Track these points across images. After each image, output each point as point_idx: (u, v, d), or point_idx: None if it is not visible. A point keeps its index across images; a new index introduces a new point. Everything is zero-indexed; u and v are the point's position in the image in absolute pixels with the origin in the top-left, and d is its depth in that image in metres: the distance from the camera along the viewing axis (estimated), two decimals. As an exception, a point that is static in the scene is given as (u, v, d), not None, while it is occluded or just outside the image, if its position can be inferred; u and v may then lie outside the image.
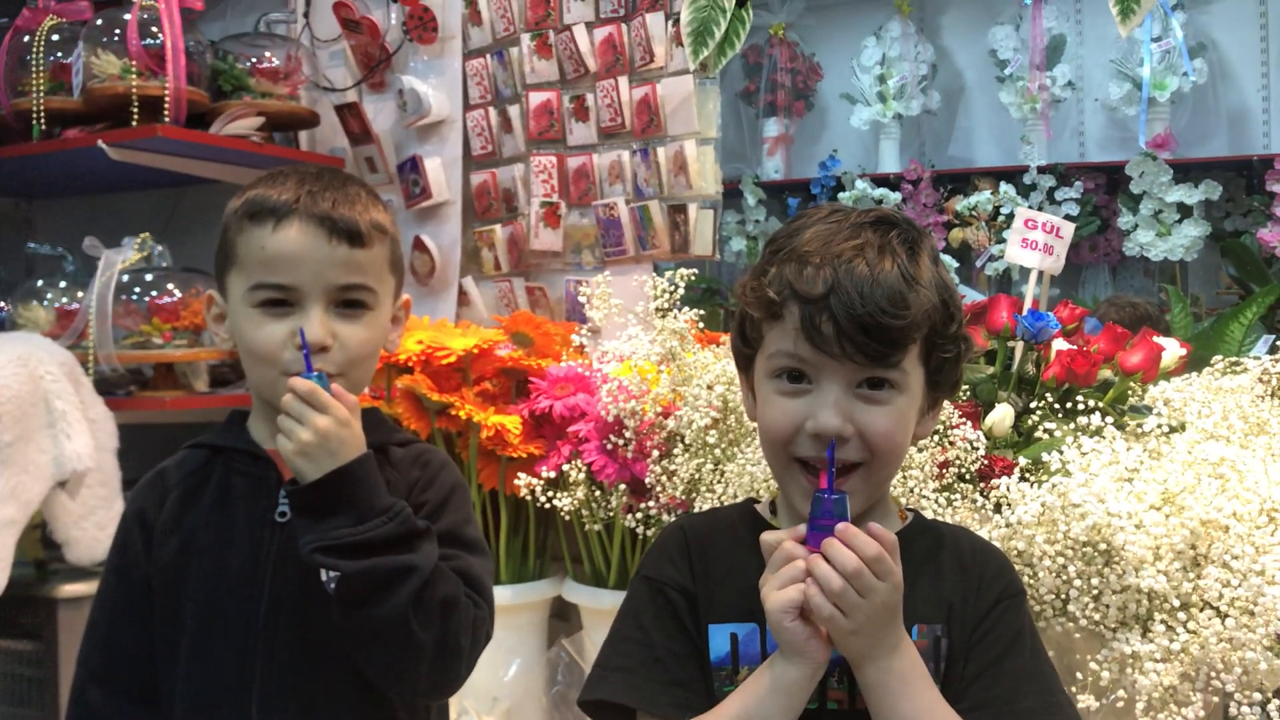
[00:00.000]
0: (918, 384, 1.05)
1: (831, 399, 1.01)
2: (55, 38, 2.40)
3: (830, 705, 1.05)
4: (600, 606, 2.01)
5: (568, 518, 1.97)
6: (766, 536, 1.01)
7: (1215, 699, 1.37)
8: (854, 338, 0.99)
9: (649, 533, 1.89)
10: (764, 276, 1.05)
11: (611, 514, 1.95)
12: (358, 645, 1.16)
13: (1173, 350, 1.76)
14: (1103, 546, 1.42)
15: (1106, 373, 1.75)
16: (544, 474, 1.97)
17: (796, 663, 0.98)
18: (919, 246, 1.05)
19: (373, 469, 1.16)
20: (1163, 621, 1.38)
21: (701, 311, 1.94)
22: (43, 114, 2.36)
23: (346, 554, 1.11)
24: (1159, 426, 1.56)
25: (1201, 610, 1.36)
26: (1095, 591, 1.43)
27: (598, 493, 1.95)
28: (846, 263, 1.00)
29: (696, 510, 1.74)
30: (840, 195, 3.71)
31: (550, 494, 1.94)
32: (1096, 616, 1.43)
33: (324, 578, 1.15)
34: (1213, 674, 1.35)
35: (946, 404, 1.66)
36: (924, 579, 1.08)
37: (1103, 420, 1.55)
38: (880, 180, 3.71)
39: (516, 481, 1.97)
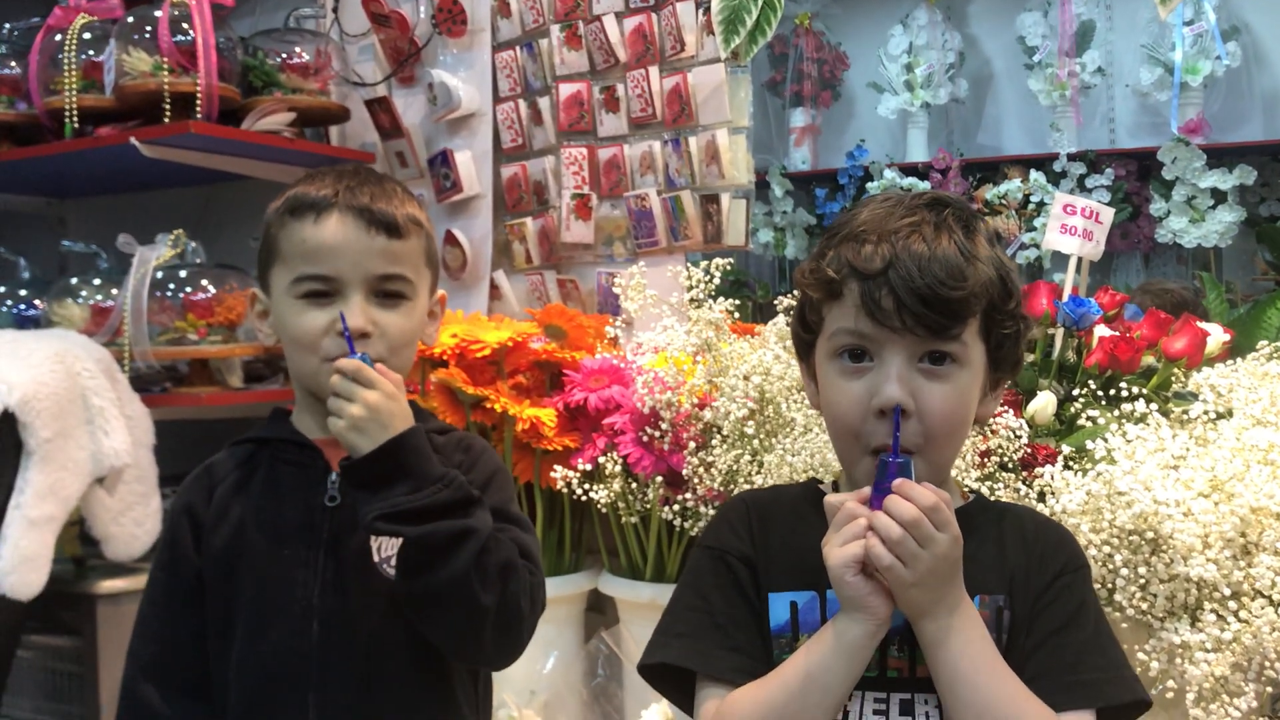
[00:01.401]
0: (979, 359, 1.07)
1: (894, 372, 1.02)
2: (87, 36, 2.42)
3: (890, 673, 1.06)
4: (637, 599, 2.00)
5: (604, 510, 1.97)
6: (831, 499, 1.03)
7: (1268, 689, 1.36)
8: (914, 310, 1.01)
9: (686, 525, 1.88)
10: (823, 259, 1.07)
11: (648, 506, 1.95)
12: (423, 613, 1.19)
13: (1217, 336, 1.74)
14: (1150, 535, 1.41)
15: (1149, 359, 1.73)
16: (580, 466, 1.96)
17: (858, 620, 1.00)
18: (974, 225, 1.07)
19: (424, 439, 1.19)
20: (1213, 610, 1.36)
21: (736, 301, 1.93)
22: (75, 112, 2.38)
23: (407, 520, 1.14)
24: (1205, 413, 1.54)
25: (1253, 599, 1.35)
26: (1142, 580, 1.41)
27: (634, 485, 1.95)
28: (904, 239, 1.03)
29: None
30: (868, 185, 3.69)
31: (586, 486, 1.94)
32: (1144, 606, 1.41)
33: (376, 558, 1.20)
34: (1266, 664, 1.33)
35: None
36: (986, 551, 1.09)
37: (1147, 407, 1.53)
38: (909, 169, 3.68)
39: (552, 474, 1.97)
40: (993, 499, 1.20)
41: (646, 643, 1.13)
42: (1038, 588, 1.07)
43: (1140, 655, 1.39)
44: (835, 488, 1.15)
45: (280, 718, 1.21)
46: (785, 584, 1.09)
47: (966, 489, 1.18)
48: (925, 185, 3.60)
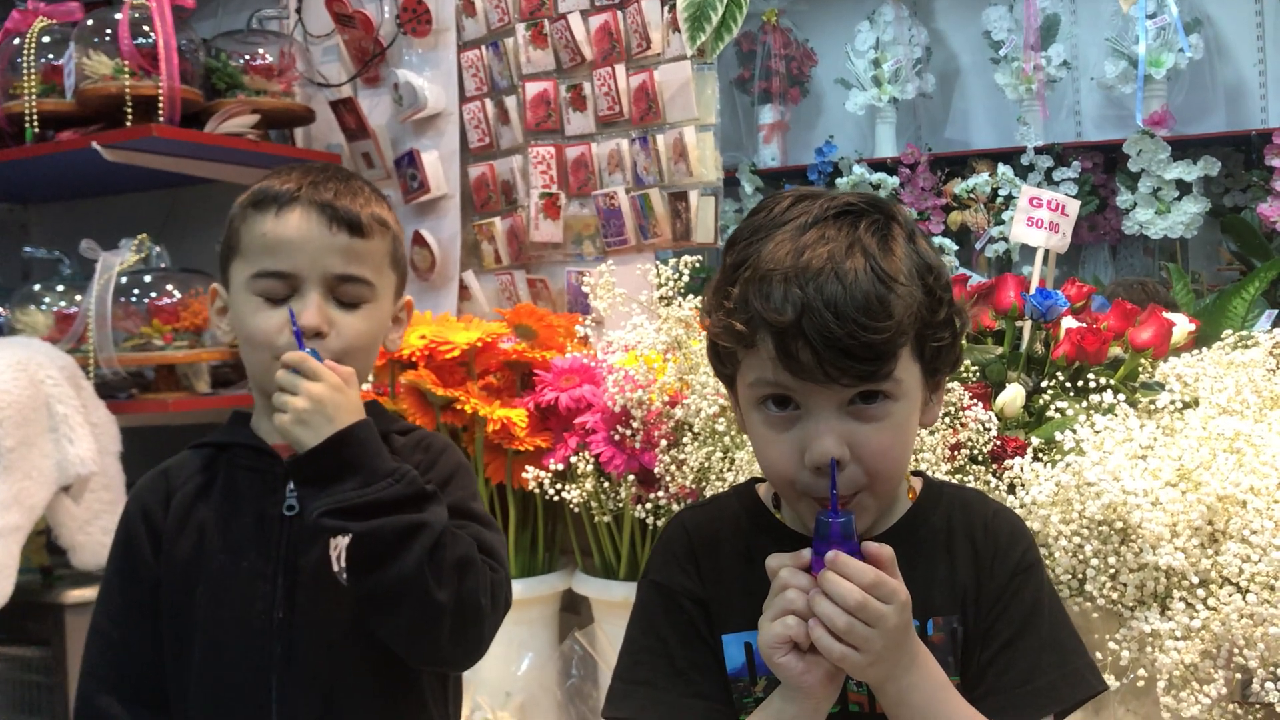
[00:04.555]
0: (914, 382, 0.99)
1: (824, 425, 0.95)
2: (46, 39, 2.38)
3: (852, 708, 1.03)
4: (611, 598, 2.00)
5: (576, 510, 1.96)
6: (771, 561, 0.96)
7: (1238, 676, 1.37)
8: (836, 361, 0.92)
9: (659, 523, 1.88)
10: (728, 300, 0.98)
11: (620, 505, 1.94)
12: (376, 613, 1.14)
13: (1182, 325, 1.75)
14: (1119, 525, 1.41)
15: (1116, 350, 1.74)
16: (551, 466, 1.95)
17: (795, 699, 0.94)
18: (890, 232, 0.98)
19: (374, 433, 1.15)
20: (1182, 599, 1.37)
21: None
22: (35, 117, 2.34)
23: (355, 516, 1.10)
24: (1172, 403, 1.55)
25: (1221, 586, 1.36)
26: (1112, 570, 1.42)
27: (606, 484, 1.94)
28: (814, 277, 0.93)
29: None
30: (838, 181, 3.70)
31: (558, 486, 1.93)
32: (1114, 595, 1.42)
33: (336, 567, 1.15)
34: (1235, 650, 1.34)
35: (957, 386, 1.66)
36: (937, 568, 1.05)
37: (1115, 398, 1.54)
38: (877, 165, 3.69)
39: (524, 474, 1.96)
40: (940, 481, 1.14)
41: (608, 685, 1.09)
42: (990, 596, 1.04)
43: (1111, 645, 1.40)
44: (776, 499, 1.10)
45: None
46: (738, 624, 1.04)
47: (911, 475, 1.12)
48: (894, 180, 3.61)
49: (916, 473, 1.13)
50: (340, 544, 1.16)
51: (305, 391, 1.12)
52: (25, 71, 2.35)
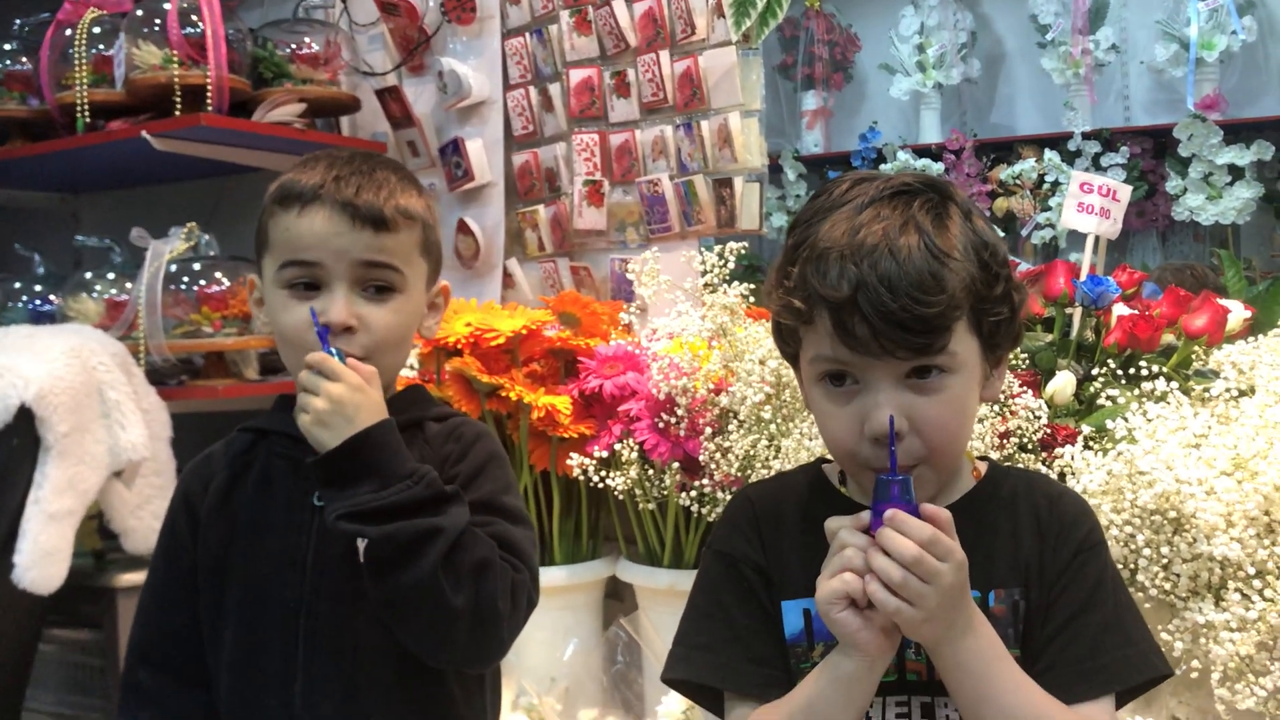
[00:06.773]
0: (973, 356, 1.01)
1: (881, 398, 0.98)
2: (96, 30, 2.42)
3: (910, 676, 1.04)
4: (655, 586, 2.00)
5: (620, 497, 1.97)
6: (830, 523, 0.98)
7: (1295, 667, 1.35)
8: (891, 335, 0.95)
9: (703, 510, 1.87)
10: (787, 280, 1.01)
11: (665, 493, 1.94)
12: (392, 613, 1.15)
13: (1238, 312, 1.72)
14: (1172, 514, 1.40)
15: (1169, 337, 1.72)
16: (596, 454, 1.95)
17: (852, 655, 0.96)
18: (945, 211, 1.01)
19: (394, 434, 1.15)
20: (1237, 590, 1.35)
21: (751, 286, 1.92)
22: (86, 107, 2.38)
23: (371, 519, 1.10)
24: (1227, 390, 1.52)
25: (1278, 578, 1.33)
26: (1165, 560, 1.41)
27: (650, 471, 1.94)
28: (869, 254, 0.96)
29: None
30: (882, 167, 3.67)
31: (602, 474, 1.94)
32: (1167, 586, 1.41)
33: (363, 558, 1.14)
34: (1292, 642, 1.32)
35: (1006, 373, 1.64)
36: (1000, 541, 1.06)
37: (1168, 385, 1.52)
38: (922, 151, 3.66)
39: (568, 462, 1.96)
40: (1005, 466, 1.15)
41: (668, 650, 1.11)
42: (1054, 572, 1.05)
43: (1164, 636, 1.38)
44: (842, 475, 1.12)
45: (267, 715, 1.20)
46: (798, 591, 1.06)
47: (977, 457, 1.13)
48: (939, 166, 3.58)
49: (983, 457, 1.15)
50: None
51: (325, 392, 1.13)
52: (76, 62, 2.38)
